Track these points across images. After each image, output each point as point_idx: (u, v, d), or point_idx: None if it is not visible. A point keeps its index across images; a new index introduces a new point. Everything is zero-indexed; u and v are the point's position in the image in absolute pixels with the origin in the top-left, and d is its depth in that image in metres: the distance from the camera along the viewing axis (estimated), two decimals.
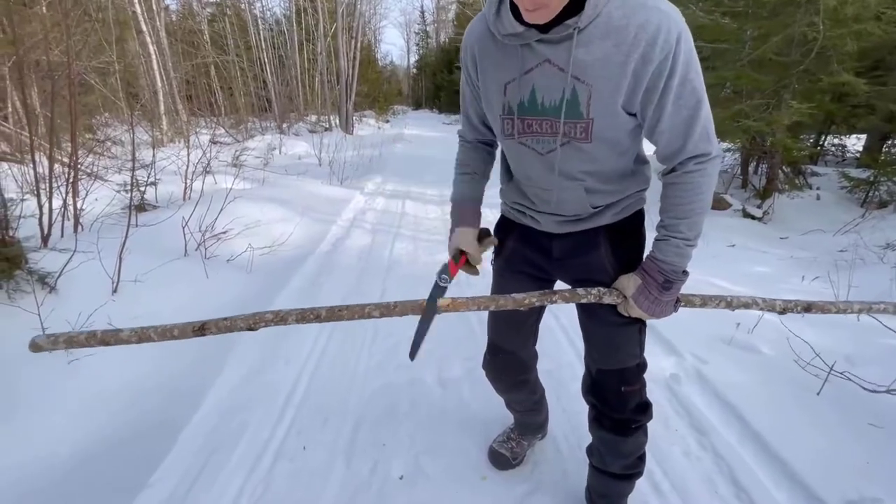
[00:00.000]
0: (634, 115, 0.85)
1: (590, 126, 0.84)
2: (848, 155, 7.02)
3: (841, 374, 1.77)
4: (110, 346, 0.89)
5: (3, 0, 3.66)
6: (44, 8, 5.44)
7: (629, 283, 0.95)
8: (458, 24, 27.06)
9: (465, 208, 1.11)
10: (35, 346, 0.85)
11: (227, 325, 0.87)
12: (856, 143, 7.18)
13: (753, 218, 4.56)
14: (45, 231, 2.76)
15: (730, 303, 1.02)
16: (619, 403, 1.09)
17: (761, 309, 1.04)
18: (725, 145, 5.45)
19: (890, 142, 5.79)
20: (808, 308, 1.05)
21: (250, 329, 0.88)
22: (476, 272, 1.09)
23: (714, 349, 2.05)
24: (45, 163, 3.02)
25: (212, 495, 1.33)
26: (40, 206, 2.75)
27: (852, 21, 3.79)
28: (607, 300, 0.97)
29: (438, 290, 0.94)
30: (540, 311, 1.24)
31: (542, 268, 1.12)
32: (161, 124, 8.59)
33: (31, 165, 2.89)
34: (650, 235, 0.99)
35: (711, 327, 2.20)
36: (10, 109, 5.35)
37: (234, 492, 1.35)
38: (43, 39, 3.67)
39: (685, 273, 0.92)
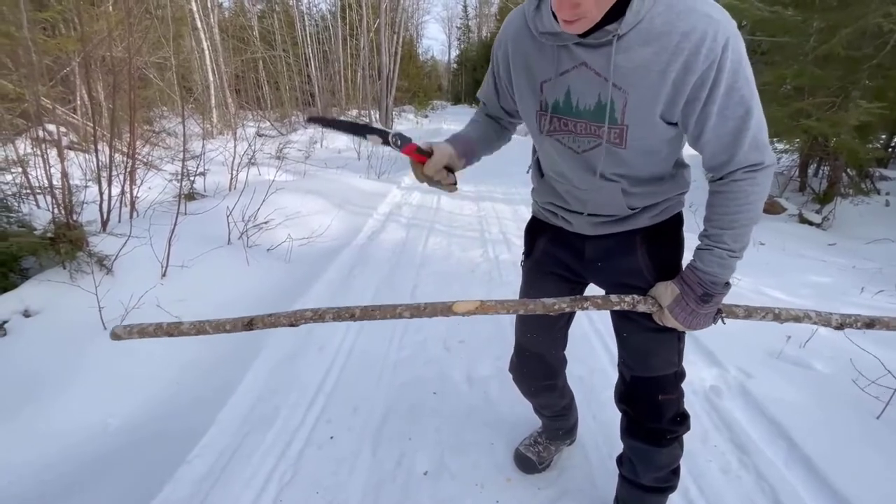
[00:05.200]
0: (675, 124, 0.80)
1: (624, 132, 0.81)
2: None
3: None
4: (174, 337, 0.94)
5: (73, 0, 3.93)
6: (110, 6, 5.80)
7: (666, 291, 0.90)
8: (500, 19, 26.76)
9: (460, 137, 0.98)
10: (114, 335, 0.92)
11: (271, 321, 0.93)
12: None
13: (811, 224, 4.25)
14: (105, 216, 2.95)
15: (778, 315, 0.94)
16: (654, 412, 1.04)
17: (814, 323, 0.95)
18: (782, 146, 5.11)
19: None
20: (870, 324, 0.95)
21: (292, 325, 0.92)
22: (419, 177, 0.92)
23: (760, 362, 1.93)
24: (107, 152, 3.23)
25: (244, 476, 1.39)
26: (101, 193, 2.94)
27: None
28: (641, 308, 0.92)
29: (381, 136, 0.85)
30: (570, 315, 1.20)
31: (573, 269, 1.09)
32: (211, 117, 9.01)
33: (95, 154, 3.09)
34: (692, 240, 0.94)
35: (758, 339, 2.07)
36: (78, 102, 5.76)
37: (265, 475, 1.40)
38: (108, 37, 3.91)
39: (727, 285, 0.86)
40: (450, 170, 0.92)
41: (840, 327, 0.95)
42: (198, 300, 2.43)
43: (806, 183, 5.14)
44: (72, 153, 4.33)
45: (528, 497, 1.35)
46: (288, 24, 15.29)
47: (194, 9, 9.11)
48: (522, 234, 1.21)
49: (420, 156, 0.89)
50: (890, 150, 6.19)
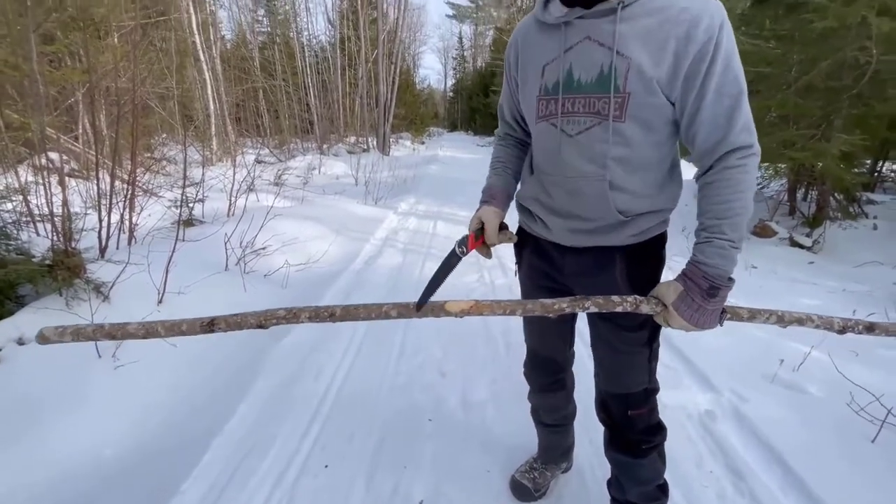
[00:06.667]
0: (673, 104, 0.84)
1: (625, 101, 0.83)
2: None
3: None
4: (117, 340, 0.87)
5: (80, 33, 4.07)
6: (115, 40, 5.98)
7: (669, 290, 0.87)
8: (494, 50, 27.60)
9: (494, 191, 1.10)
10: (42, 338, 0.82)
11: (237, 322, 0.84)
12: None
13: (801, 247, 4.32)
14: (103, 243, 2.97)
15: (781, 317, 0.93)
16: (626, 425, 1.10)
17: (817, 326, 0.95)
18: (771, 172, 5.24)
19: None
20: (871, 328, 0.97)
21: (261, 327, 0.85)
22: (489, 255, 1.10)
23: (754, 386, 1.94)
24: (108, 180, 3.28)
25: None
26: (100, 220, 2.97)
27: None
28: (644, 309, 0.89)
29: (454, 257, 1.00)
30: (573, 314, 1.22)
31: (559, 281, 1.12)
32: (211, 145, 9.15)
33: (95, 182, 3.14)
34: (679, 262, 0.97)
35: (752, 362, 2.09)
36: (80, 130, 5.87)
37: (260, 503, 1.38)
38: (113, 69, 4.03)
39: (731, 280, 0.85)
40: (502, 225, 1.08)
41: (842, 331, 0.97)
42: None
43: (795, 207, 5.24)
44: (73, 181, 4.38)
45: None
46: (288, 55, 15.73)
47: (197, 41, 9.38)
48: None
49: (481, 238, 1.05)
50: (876, 174, 6.35)
